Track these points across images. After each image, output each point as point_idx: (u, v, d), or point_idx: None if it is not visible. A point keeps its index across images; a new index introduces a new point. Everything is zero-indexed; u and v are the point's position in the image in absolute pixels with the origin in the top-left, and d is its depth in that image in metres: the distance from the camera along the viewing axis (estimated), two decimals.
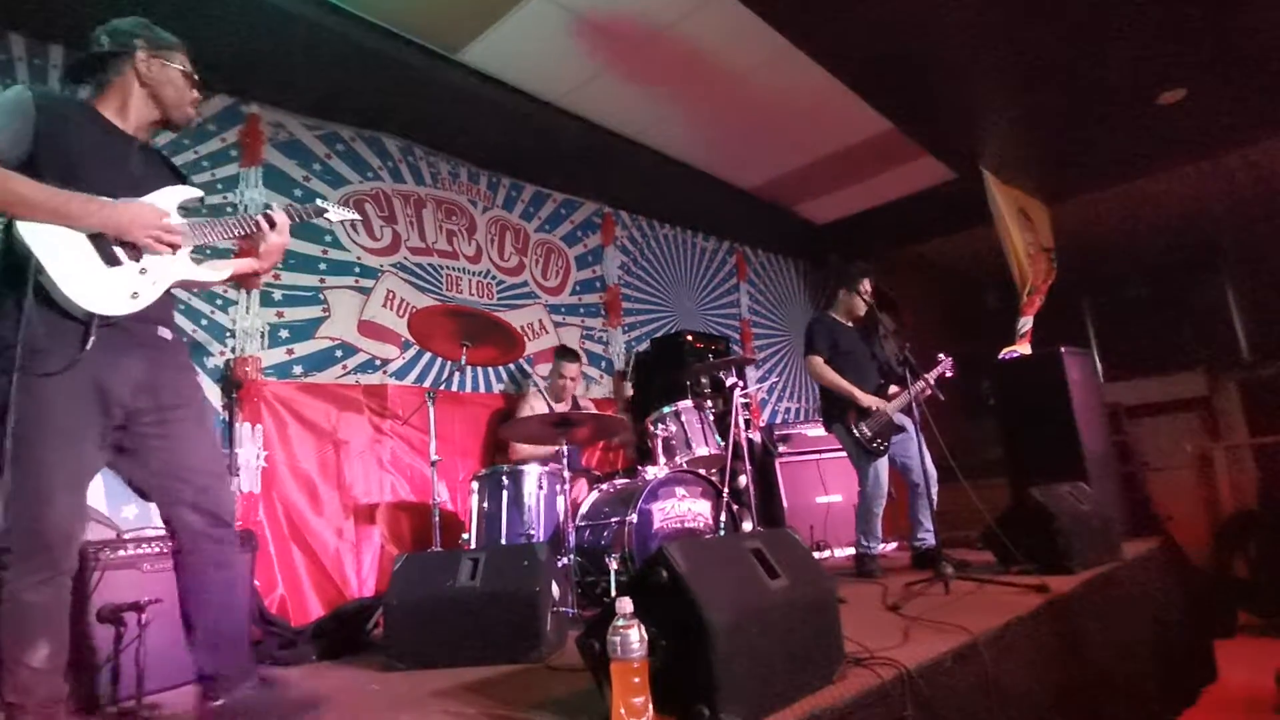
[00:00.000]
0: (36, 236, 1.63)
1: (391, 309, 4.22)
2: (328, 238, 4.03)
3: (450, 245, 4.59)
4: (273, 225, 2.03)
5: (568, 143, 4.65)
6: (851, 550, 3.98)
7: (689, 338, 5.29)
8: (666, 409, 3.90)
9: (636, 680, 1.42)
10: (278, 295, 3.77)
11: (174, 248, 1.84)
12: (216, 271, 2.03)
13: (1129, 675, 2.81)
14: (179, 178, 2.01)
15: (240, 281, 2.10)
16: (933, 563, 3.51)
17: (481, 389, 4.58)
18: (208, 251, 1.93)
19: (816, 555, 4.17)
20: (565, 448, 3.28)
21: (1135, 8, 3.73)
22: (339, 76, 3.78)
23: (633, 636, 1.42)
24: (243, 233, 2.00)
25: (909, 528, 3.89)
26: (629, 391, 5.24)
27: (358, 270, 4.12)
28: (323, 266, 3.99)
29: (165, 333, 1.91)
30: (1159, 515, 5.44)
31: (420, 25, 3.59)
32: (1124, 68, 4.31)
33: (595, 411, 4.47)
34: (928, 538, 3.74)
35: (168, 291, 1.88)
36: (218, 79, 3.66)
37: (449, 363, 4.23)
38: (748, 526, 3.83)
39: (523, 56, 3.88)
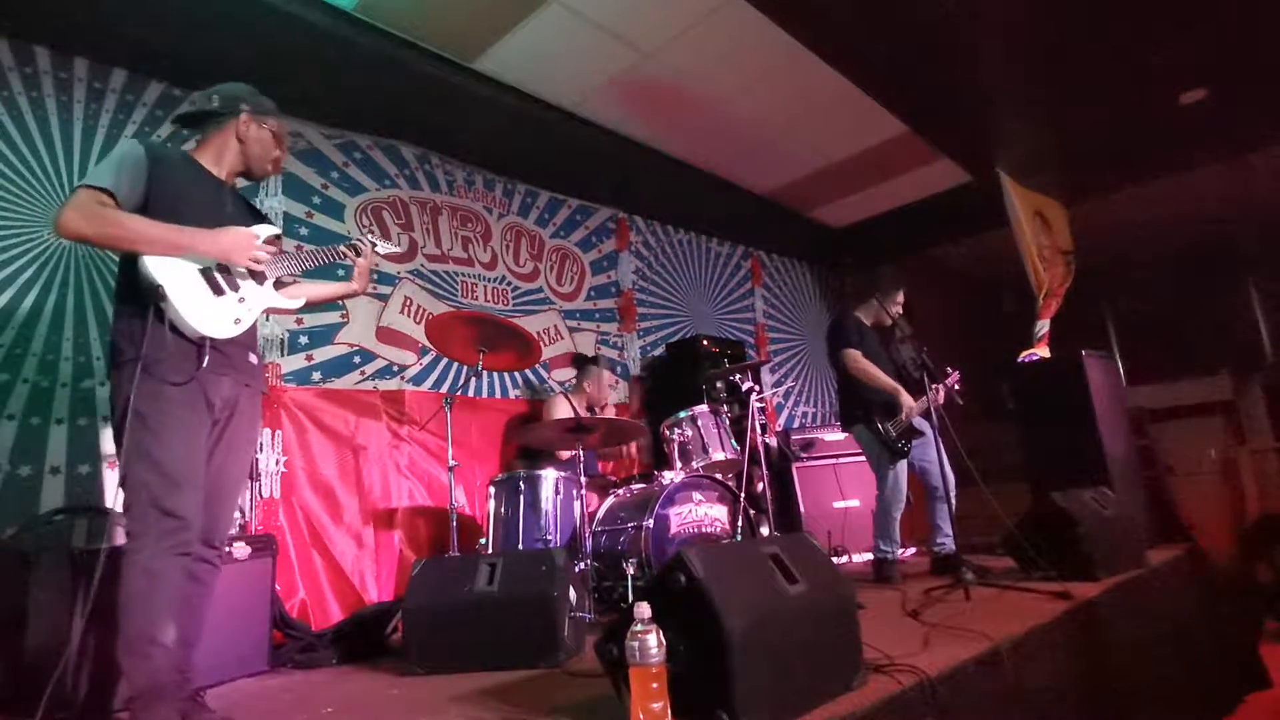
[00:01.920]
0: (162, 271, 1.89)
1: (409, 315, 4.25)
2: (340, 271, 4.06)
3: (466, 252, 4.62)
4: (359, 253, 2.39)
5: (582, 149, 4.67)
6: (869, 555, 3.95)
7: (704, 342, 5.29)
8: (683, 414, 3.90)
9: (655, 685, 1.42)
10: None
11: (262, 275, 2.11)
12: (294, 300, 2.28)
13: (1154, 684, 2.76)
14: (259, 218, 2.29)
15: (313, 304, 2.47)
16: (952, 568, 3.47)
17: (498, 394, 4.60)
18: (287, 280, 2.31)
19: (834, 560, 4.15)
20: (580, 453, 3.30)
21: (1154, 8, 3.70)
22: (356, 86, 3.83)
23: (651, 642, 1.42)
24: (326, 262, 2.32)
25: (927, 533, 3.85)
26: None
27: (375, 277, 4.14)
28: (340, 273, 4.00)
29: (253, 358, 2.14)
30: (1184, 521, 5.36)
31: (436, 34, 3.62)
32: (1143, 68, 4.27)
33: (613, 417, 4.48)
34: (947, 542, 3.70)
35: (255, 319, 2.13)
36: None
37: (466, 368, 4.26)
38: (765, 531, 3.82)
39: (537, 64, 3.90)
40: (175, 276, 1.91)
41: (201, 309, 1.93)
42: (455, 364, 4.32)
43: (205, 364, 1.92)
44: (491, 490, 3.62)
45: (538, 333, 4.77)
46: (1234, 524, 6.10)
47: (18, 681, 2.16)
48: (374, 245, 2.47)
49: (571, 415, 3.31)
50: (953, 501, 3.64)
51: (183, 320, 1.89)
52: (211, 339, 1.94)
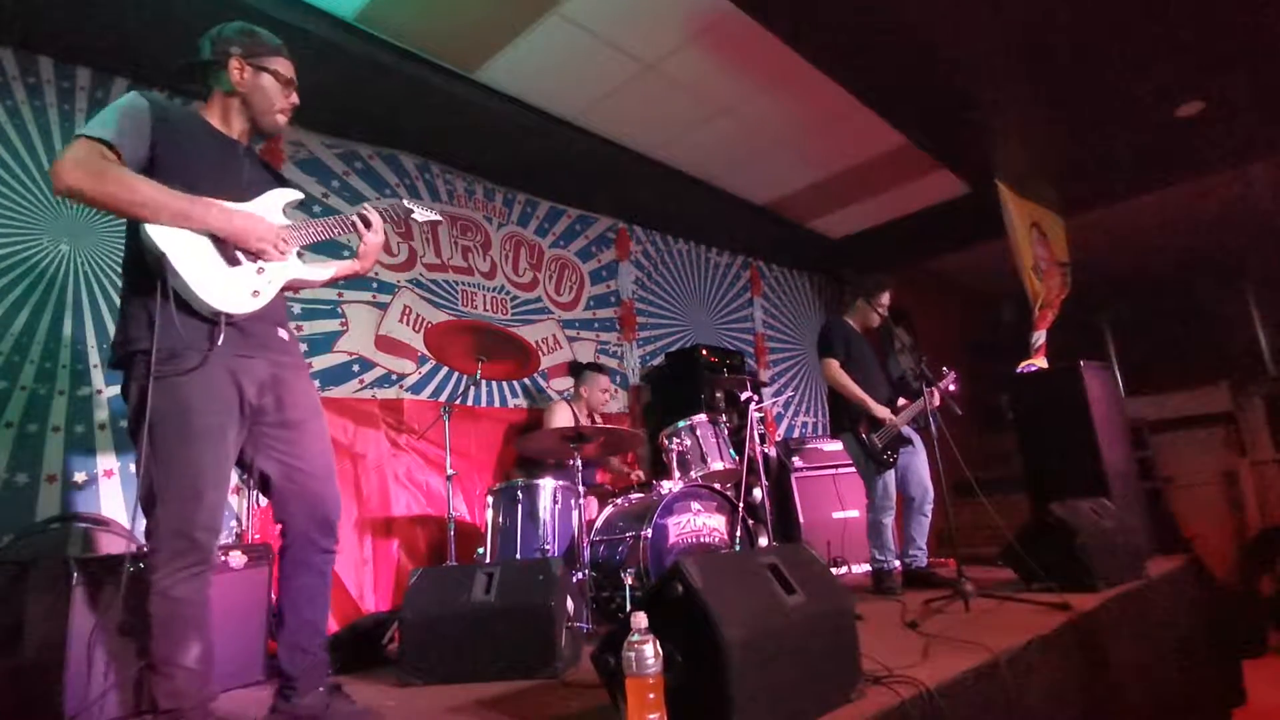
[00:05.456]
0: (165, 239, 1.67)
1: (408, 324, 4.25)
2: (345, 252, 4.06)
3: (465, 261, 4.63)
4: (368, 225, 2.07)
5: (583, 159, 4.69)
6: (869, 566, 3.93)
7: (704, 352, 5.28)
8: (681, 423, 3.89)
9: (651, 696, 1.41)
10: (297, 309, 3.79)
11: (284, 254, 1.88)
12: (323, 271, 2.09)
13: (1154, 696, 2.75)
14: (280, 181, 2.06)
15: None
16: (923, 582, 3.47)
17: (497, 403, 4.60)
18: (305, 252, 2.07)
19: (833, 571, 4.12)
20: (579, 462, 3.29)
21: (1151, 20, 3.72)
22: (357, 96, 3.84)
23: (648, 652, 1.42)
24: (339, 233, 2.04)
25: (901, 543, 3.80)
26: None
27: (375, 285, 4.15)
28: (341, 281, 4.02)
29: (283, 333, 1.95)
30: (1184, 533, 5.35)
31: (438, 45, 3.64)
32: (1140, 80, 4.30)
33: (611, 426, 4.47)
34: (919, 555, 3.70)
35: (281, 292, 1.92)
36: None
37: (465, 377, 4.25)
38: (763, 542, 3.80)
39: (538, 75, 3.92)
40: (183, 244, 1.68)
41: (214, 281, 1.71)
42: (454, 373, 4.32)
43: (220, 343, 1.71)
44: (490, 499, 3.61)
45: (536, 342, 4.77)
46: (1234, 536, 6.08)
47: (15, 691, 2.15)
48: (410, 213, 2.20)
49: (571, 423, 3.31)
50: (927, 513, 3.64)
51: (192, 293, 1.67)
52: (228, 314, 1.73)
